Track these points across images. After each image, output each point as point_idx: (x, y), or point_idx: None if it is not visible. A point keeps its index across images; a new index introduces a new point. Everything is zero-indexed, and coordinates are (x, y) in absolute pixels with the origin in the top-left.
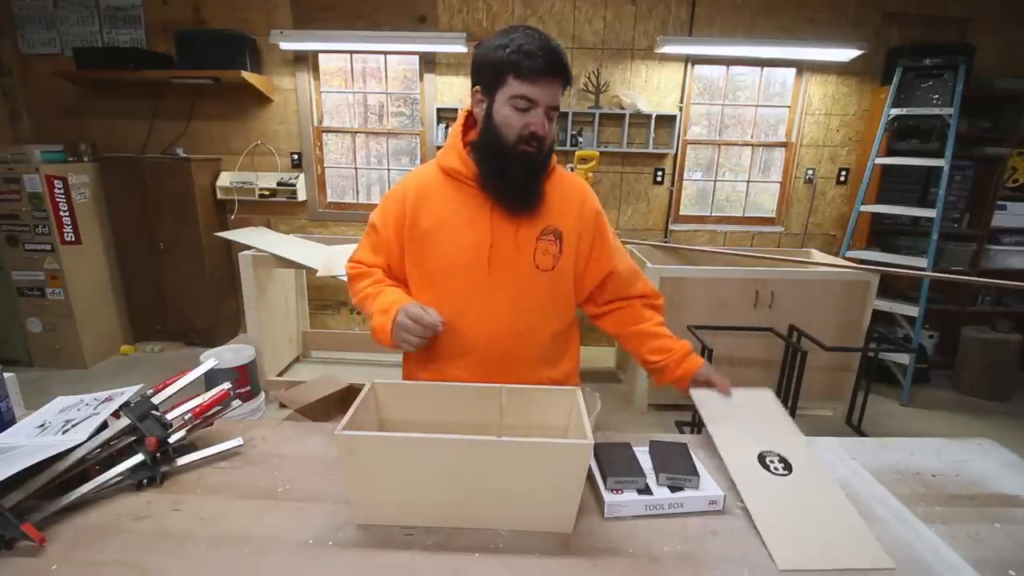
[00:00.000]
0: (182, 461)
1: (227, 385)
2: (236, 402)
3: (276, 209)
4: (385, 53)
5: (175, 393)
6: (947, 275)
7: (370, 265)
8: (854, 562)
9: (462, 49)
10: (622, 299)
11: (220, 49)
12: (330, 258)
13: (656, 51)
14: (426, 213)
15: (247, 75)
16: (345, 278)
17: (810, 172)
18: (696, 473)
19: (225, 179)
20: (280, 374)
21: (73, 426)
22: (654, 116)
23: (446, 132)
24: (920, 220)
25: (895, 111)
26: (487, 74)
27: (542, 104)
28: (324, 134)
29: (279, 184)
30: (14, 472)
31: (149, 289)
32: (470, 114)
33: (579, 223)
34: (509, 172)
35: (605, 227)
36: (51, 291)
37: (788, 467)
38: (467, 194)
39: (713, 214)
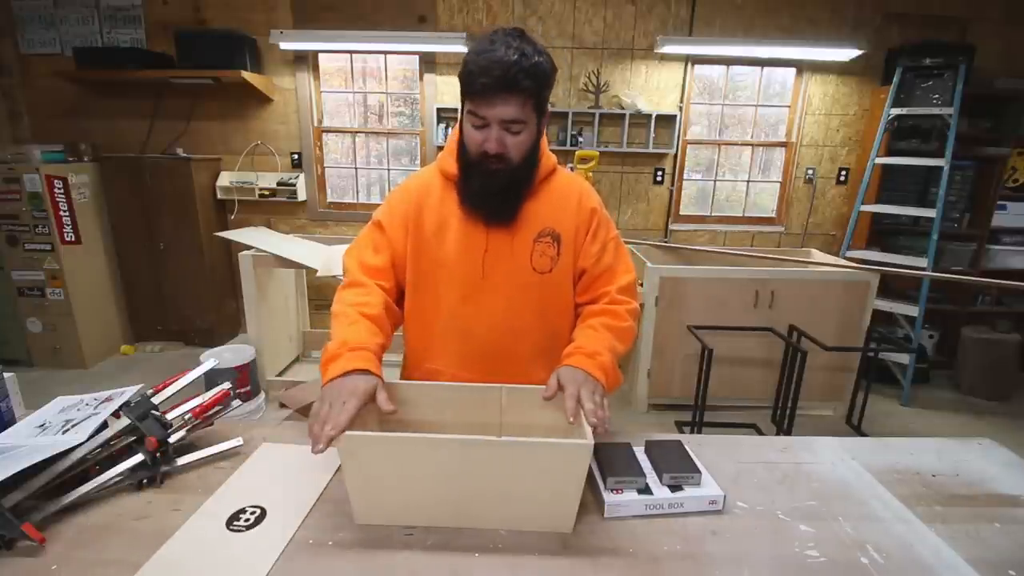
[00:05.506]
0: (182, 461)
1: (227, 385)
2: (236, 402)
3: (276, 209)
4: (385, 53)
5: (175, 393)
6: (947, 275)
7: (370, 267)
8: None
9: (462, 49)
10: (592, 301)
11: (220, 49)
12: (330, 258)
13: (656, 51)
14: (428, 215)
15: (247, 75)
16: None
17: (810, 172)
18: (697, 470)
19: (225, 179)
20: (280, 374)
21: (73, 426)
22: (654, 116)
23: (446, 132)
24: (920, 220)
25: (895, 111)
26: (460, 88)
27: (492, 121)
28: (324, 134)
29: (279, 184)
30: (14, 472)
31: (149, 289)
32: None
33: (576, 220)
34: (474, 186)
35: (596, 225)
36: (51, 291)
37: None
38: None
39: (713, 214)
